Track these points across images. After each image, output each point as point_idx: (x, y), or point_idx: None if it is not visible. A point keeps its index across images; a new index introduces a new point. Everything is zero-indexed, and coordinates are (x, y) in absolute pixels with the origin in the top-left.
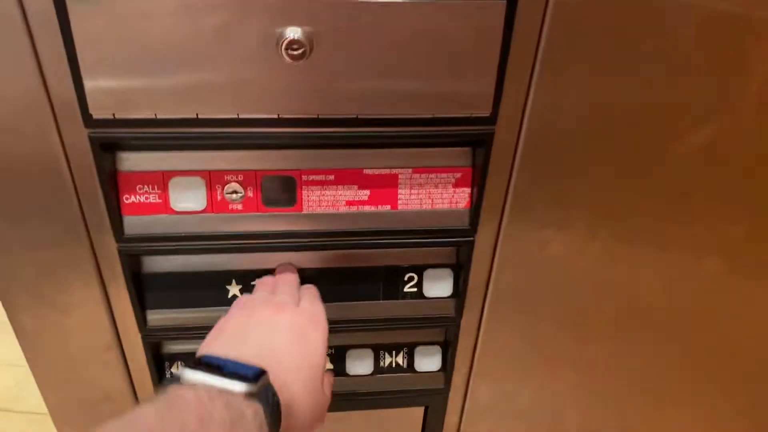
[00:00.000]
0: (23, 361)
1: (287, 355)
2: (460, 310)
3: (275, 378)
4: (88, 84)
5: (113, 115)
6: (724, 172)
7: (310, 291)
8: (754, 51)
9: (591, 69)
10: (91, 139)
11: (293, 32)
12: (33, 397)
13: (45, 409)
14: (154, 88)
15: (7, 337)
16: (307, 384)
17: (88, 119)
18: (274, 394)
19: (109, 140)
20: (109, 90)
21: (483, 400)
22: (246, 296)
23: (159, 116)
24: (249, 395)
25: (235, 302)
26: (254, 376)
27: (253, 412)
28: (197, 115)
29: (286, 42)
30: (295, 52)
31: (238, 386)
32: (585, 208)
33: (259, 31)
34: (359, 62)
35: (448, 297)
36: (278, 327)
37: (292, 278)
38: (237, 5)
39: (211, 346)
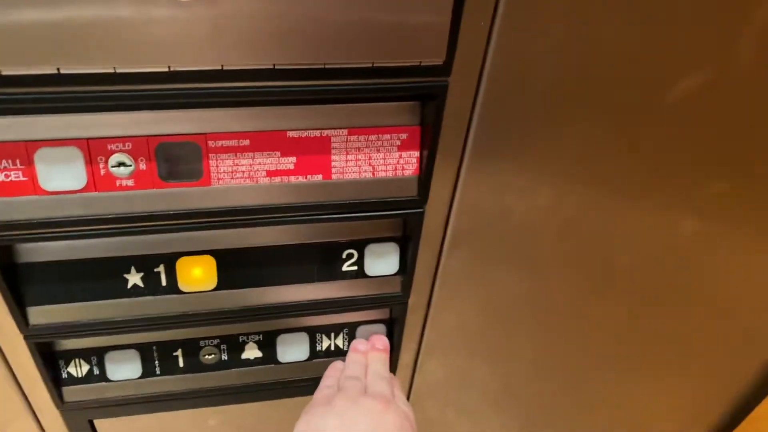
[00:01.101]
0: None
1: None
2: (407, 288)
3: None
4: None
5: None
6: (705, 126)
7: (396, 381)
8: None
9: (563, 12)
10: None
11: None
12: None
13: None
14: (13, 40)
15: None
16: None
17: None
18: None
19: None
20: None
21: (432, 377)
22: (340, 374)
23: (5, 72)
24: None
25: (329, 369)
26: None
27: None
28: (59, 69)
29: None
30: None
31: None
32: (553, 171)
33: None
34: None
35: (394, 274)
36: (384, 427)
37: (383, 360)
38: None
39: (325, 421)
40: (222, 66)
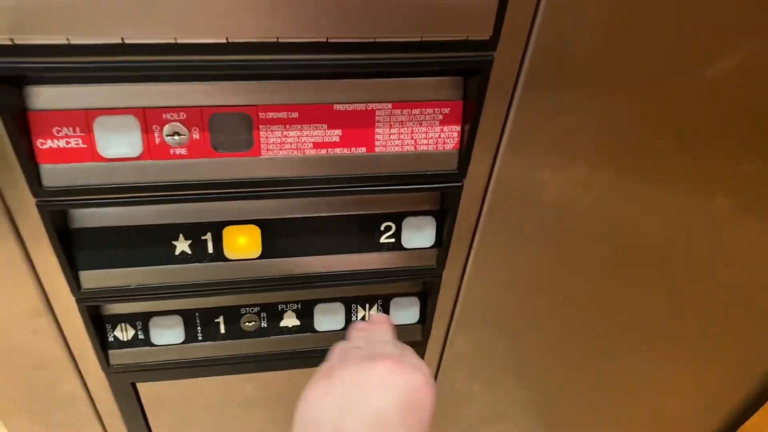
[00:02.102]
0: None
1: (400, 427)
2: (443, 261)
3: None
4: None
5: (11, 40)
6: (737, 108)
7: (408, 349)
8: None
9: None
10: None
11: None
12: None
13: None
14: (64, 3)
15: None
16: None
17: None
18: None
19: (10, 72)
20: (4, 8)
21: (461, 350)
22: (345, 344)
23: (73, 41)
24: None
25: (332, 348)
26: None
27: None
28: (123, 39)
29: None
30: None
31: None
32: (587, 146)
33: None
34: None
35: (430, 247)
36: (393, 392)
37: (387, 330)
38: None
39: (321, 410)
40: (278, 38)
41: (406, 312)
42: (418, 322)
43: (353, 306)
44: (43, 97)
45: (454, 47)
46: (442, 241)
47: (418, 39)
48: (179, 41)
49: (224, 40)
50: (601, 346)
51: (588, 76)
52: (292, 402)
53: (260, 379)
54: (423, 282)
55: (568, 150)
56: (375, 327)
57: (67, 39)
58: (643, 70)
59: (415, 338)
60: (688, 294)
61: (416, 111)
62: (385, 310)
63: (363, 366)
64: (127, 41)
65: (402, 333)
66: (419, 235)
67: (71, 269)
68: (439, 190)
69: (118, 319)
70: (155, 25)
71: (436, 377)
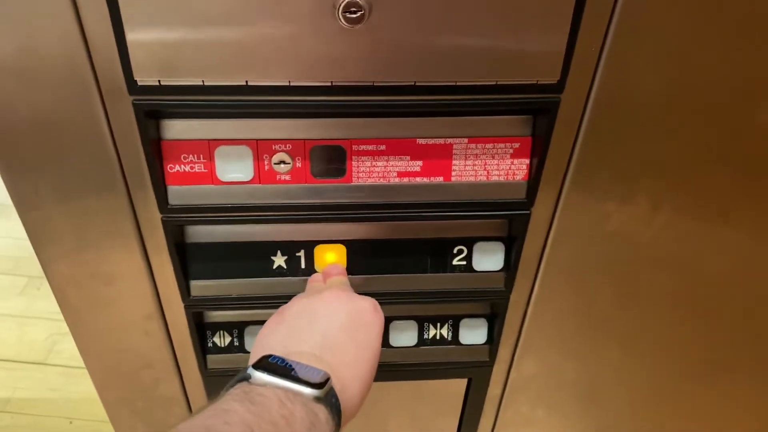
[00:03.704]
0: (54, 315)
1: (348, 349)
2: (510, 284)
3: (336, 379)
4: (133, 47)
5: (159, 81)
6: None
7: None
8: None
9: (667, 38)
10: (135, 107)
11: None
12: (65, 351)
13: (75, 363)
14: (202, 52)
15: (38, 292)
16: (363, 378)
17: (132, 86)
18: (336, 399)
19: (154, 107)
20: (155, 54)
21: (527, 373)
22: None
23: (207, 83)
24: (317, 399)
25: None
26: (321, 381)
27: (324, 415)
28: (247, 82)
29: (343, 4)
30: (353, 15)
31: (308, 391)
32: (649, 182)
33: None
34: (418, 25)
35: (499, 271)
36: (339, 314)
37: (342, 271)
38: None
39: (271, 338)
40: (373, 82)
41: (475, 332)
42: (485, 343)
43: (425, 324)
44: (175, 129)
45: (525, 90)
46: (510, 266)
47: (494, 83)
48: (293, 84)
49: (329, 83)
50: (666, 379)
51: (649, 115)
52: (372, 415)
53: None
54: (491, 304)
55: (631, 185)
56: (331, 279)
57: (202, 81)
58: (703, 109)
59: (483, 358)
60: (751, 325)
61: (489, 145)
62: (455, 329)
63: (312, 297)
64: (249, 83)
65: (470, 353)
66: (489, 259)
67: (184, 278)
68: (508, 218)
69: (217, 327)
70: (272, 71)
71: (501, 399)
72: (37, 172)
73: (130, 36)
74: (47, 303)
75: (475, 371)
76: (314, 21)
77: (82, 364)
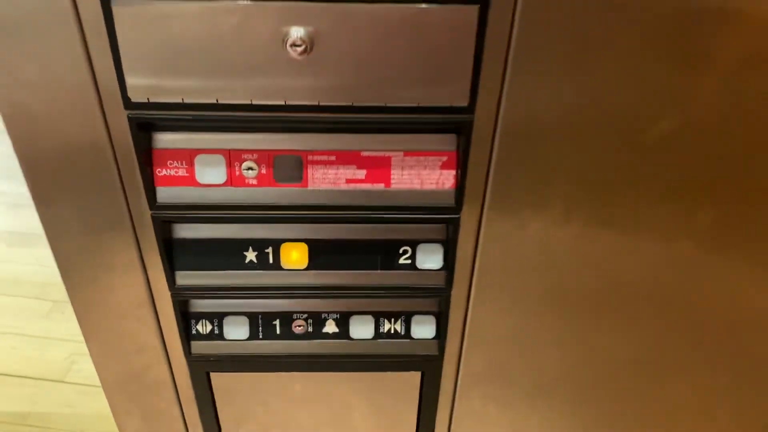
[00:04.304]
0: (75, 337)
1: None
2: (450, 281)
3: None
4: (128, 73)
5: (148, 99)
6: (688, 161)
7: None
8: (713, 44)
9: (559, 67)
10: (130, 120)
11: (296, 32)
12: (82, 371)
13: (91, 382)
14: (181, 76)
15: (62, 316)
16: None
17: (127, 102)
18: None
19: (145, 120)
20: (145, 78)
21: (476, 369)
22: None
23: (186, 101)
24: None
25: None
26: None
27: None
28: (217, 100)
29: (290, 40)
30: (298, 49)
31: None
32: (560, 191)
33: (269, 31)
34: (352, 58)
35: (439, 269)
36: None
37: None
38: (250, 9)
39: None
40: (318, 102)
41: (424, 328)
42: (434, 338)
43: (381, 319)
44: (163, 140)
45: (443, 111)
46: (449, 265)
47: (416, 105)
48: (254, 103)
49: (283, 102)
50: (605, 377)
51: (552, 136)
52: (337, 406)
53: (308, 378)
54: (438, 302)
55: (544, 193)
56: None
57: (182, 99)
58: (598, 133)
59: (433, 352)
60: (668, 329)
61: (422, 158)
62: (407, 325)
63: None
64: (220, 102)
65: (421, 347)
66: (430, 258)
67: (170, 269)
68: (440, 221)
69: (200, 316)
70: (237, 92)
71: (454, 394)
72: (60, 190)
73: (126, 65)
74: (69, 326)
75: (427, 365)
76: (269, 53)
77: (97, 383)
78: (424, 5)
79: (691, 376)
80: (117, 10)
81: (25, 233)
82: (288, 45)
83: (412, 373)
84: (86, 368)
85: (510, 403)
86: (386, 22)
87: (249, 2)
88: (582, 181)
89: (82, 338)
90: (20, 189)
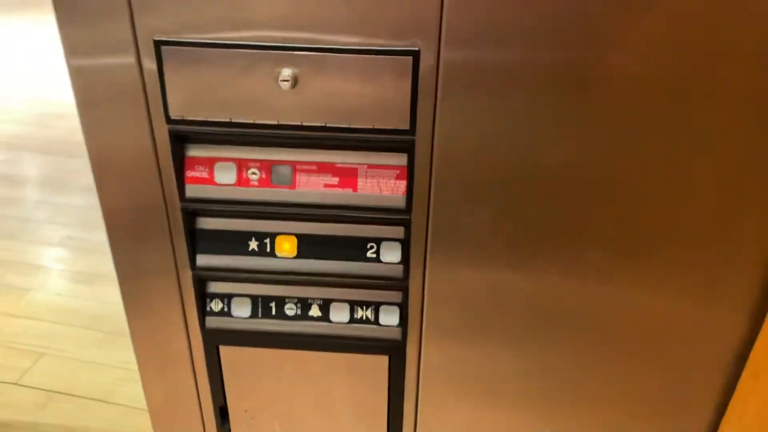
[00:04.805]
0: (123, 364)
1: None
2: (406, 272)
3: None
4: (170, 95)
5: (183, 117)
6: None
7: None
8: (591, 96)
9: (476, 103)
10: (170, 132)
11: (286, 71)
12: (127, 393)
13: (133, 404)
14: (204, 102)
15: (112, 345)
16: None
17: (168, 118)
18: None
19: (180, 133)
20: (181, 101)
21: (434, 362)
22: None
23: (208, 119)
24: None
25: None
26: None
27: None
28: (230, 119)
29: (279, 76)
30: (287, 84)
31: None
32: (485, 202)
33: (266, 71)
34: (324, 90)
35: (398, 263)
36: None
37: None
38: (254, 55)
39: None
40: (302, 122)
41: (390, 316)
42: (398, 326)
43: (355, 306)
44: (192, 150)
45: (392, 133)
46: (405, 258)
47: (371, 127)
48: (256, 122)
49: (276, 122)
50: (559, 362)
51: (473, 156)
52: (317, 387)
53: (297, 358)
54: (401, 292)
55: (474, 202)
56: None
57: (206, 118)
58: (506, 158)
59: (396, 338)
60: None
61: (381, 170)
62: (376, 311)
63: None
64: (233, 120)
65: (387, 333)
66: (391, 253)
67: (192, 251)
68: (396, 222)
69: (213, 296)
70: (244, 113)
71: (417, 384)
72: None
73: (171, 102)
74: (120, 354)
75: (393, 349)
76: (267, 85)
77: (138, 405)
78: (375, 56)
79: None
80: (167, 71)
81: (87, 273)
82: (279, 80)
83: (382, 357)
84: (130, 391)
85: (467, 395)
86: (348, 66)
87: (253, 50)
88: (502, 195)
89: (127, 366)
90: (88, 236)
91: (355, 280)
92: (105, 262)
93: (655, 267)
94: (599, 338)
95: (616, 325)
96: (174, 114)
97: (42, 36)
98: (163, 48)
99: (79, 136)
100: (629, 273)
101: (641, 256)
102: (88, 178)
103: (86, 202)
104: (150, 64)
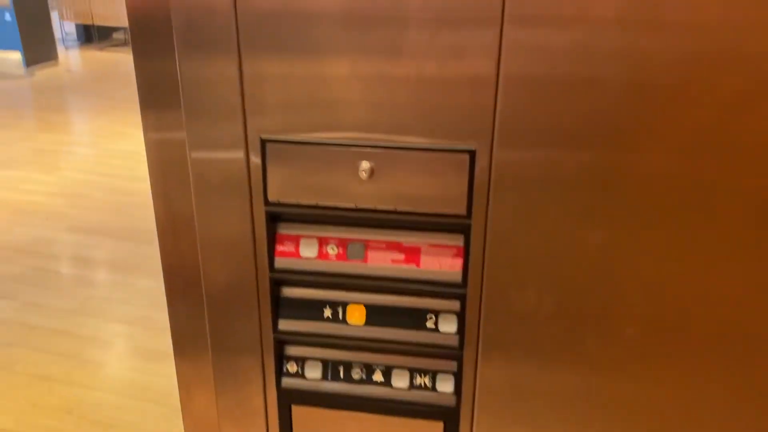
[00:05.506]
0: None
1: None
2: (461, 343)
3: None
4: (270, 186)
5: (278, 200)
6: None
7: None
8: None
9: (527, 197)
10: (266, 213)
11: (364, 165)
12: None
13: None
14: (297, 189)
15: (177, 419)
16: None
17: (266, 201)
18: None
19: (275, 214)
20: (277, 189)
21: (486, 428)
22: None
23: (300, 202)
24: None
25: None
26: None
27: None
28: (317, 203)
29: (360, 167)
30: (365, 174)
31: None
32: (534, 281)
33: (349, 164)
34: (395, 180)
35: (454, 333)
36: None
37: None
38: (340, 151)
39: None
40: (375, 207)
41: (446, 383)
42: (453, 393)
43: (414, 373)
44: (282, 228)
45: (451, 217)
46: (461, 330)
47: (433, 212)
48: (337, 206)
49: (354, 206)
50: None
51: (523, 239)
52: None
53: (361, 420)
54: (456, 363)
55: (521, 280)
56: None
57: (298, 202)
58: (552, 237)
59: (451, 404)
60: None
61: (441, 249)
62: (433, 379)
63: None
64: (319, 204)
65: (442, 399)
66: (448, 324)
67: (275, 317)
68: (450, 295)
69: (290, 358)
70: (328, 199)
71: None
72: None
73: (269, 179)
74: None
75: (447, 415)
76: (347, 174)
77: None
78: (438, 153)
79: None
80: (269, 164)
81: (157, 350)
82: (359, 171)
83: (437, 423)
84: None
85: None
86: (415, 161)
87: (339, 148)
88: (546, 274)
89: None
90: (160, 315)
91: (415, 348)
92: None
93: (689, 345)
94: (655, 429)
95: (668, 411)
96: (271, 198)
97: (127, 137)
98: (268, 145)
99: (151, 225)
100: (665, 348)
101: (675, 331)
102: (158, 263)
103: (158, 285)
104: (255, 158)
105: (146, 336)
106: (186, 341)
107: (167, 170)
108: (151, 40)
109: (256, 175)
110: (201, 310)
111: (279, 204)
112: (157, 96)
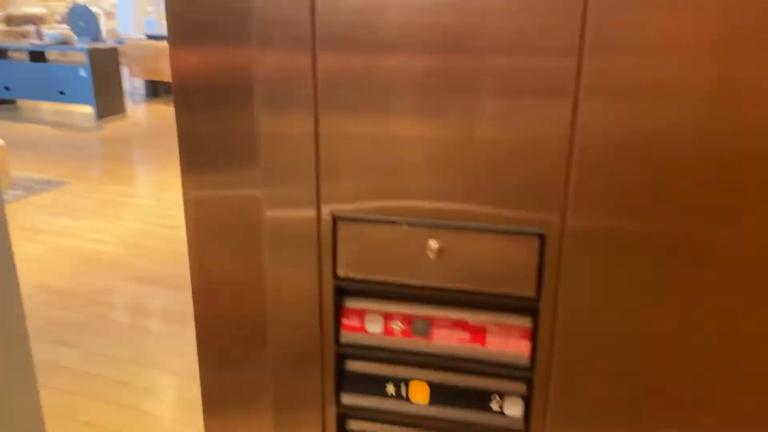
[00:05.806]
0: None
1: None
2: (527, 427)
3: None
4: (340, 261)
5: (347, 275)
6: None
7: None
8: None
9: (596, 278)
10: (335, 287)
11: (433, 244)
12: None
13: None
14: (366, 265)
15: None
16: None
17: (335, 275)
18: None
19: (342, 288)
20: (345, 264)
21: None
22: None
23: (366, 277)
24: None
25: None
26: None
27: None
28: (385, 279)
29: (429, 248)
30: (433, 254)
31: None
32: (605, 366)
33: (418, 243)
34: (464, 260)
35: (519, 417)
36: None
37: None
38: (410, 231)
39: None
40: (443, 285)
41: None
42: None
43: None
44: (348, 301)
45: (521, 299)
46: (528, 414)
47: (500, 292)
48: (404, 282)
49: (421, 284)
50: None
51: (589, 330)
52: None
53: None
54: None
55: (586, 353)
56: None
57: (365, 277)
58: (623, 324)
59: None
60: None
61: (508, 330)
62: None
63: None
64: (387, 281)
65: None
66: (514, 407)
67: (338, 391)
68: (517, 378)
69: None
70: (394, 276)
71: None
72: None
73: (339, 254)
74: None
75: None
76: (415, 252)
77: None
78: (507, 235)
79: None
80: (340, 225)
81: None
82: (427, 250)
83: None
84: None
85: None
86: (484, 241)
87: (409, 228)
88: (617, 358)
89: None
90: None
91: (478, 430)
92: None
93: None
94: None
95: None
96: (341, 273)
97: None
98: (339, 222)
99: None
100: None
101: (762, 427)
102: None
103: None
104: (326, 228)
105: (197, 388)
106: (215, 397)
107: (202, 226)
108: (194, 100)
109: (327, 247)
110: (235, 366)
111: (347, 279)
112: (199, 154)
